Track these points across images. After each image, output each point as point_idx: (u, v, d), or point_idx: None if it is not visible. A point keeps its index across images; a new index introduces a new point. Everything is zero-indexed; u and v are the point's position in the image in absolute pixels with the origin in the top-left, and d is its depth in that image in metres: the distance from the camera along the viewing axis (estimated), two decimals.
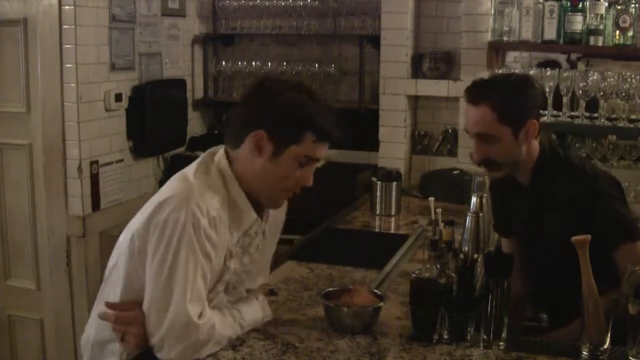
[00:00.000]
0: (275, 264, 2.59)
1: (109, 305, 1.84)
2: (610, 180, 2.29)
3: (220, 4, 4.48)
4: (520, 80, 2.30)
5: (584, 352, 1.82)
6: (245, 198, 1.86)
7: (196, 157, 1.95)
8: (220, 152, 1.90)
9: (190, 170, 1.85)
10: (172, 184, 1.83)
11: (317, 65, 4.31)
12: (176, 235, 1.72)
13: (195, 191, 1.76)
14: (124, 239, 1.87)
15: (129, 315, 1.81)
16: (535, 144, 2.29)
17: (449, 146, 4.04)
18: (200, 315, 1.76)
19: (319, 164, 1.91)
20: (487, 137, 2.23)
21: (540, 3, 3.54)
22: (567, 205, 2.22)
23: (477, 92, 2.27)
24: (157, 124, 3.75)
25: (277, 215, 2.06)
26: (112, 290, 1.89)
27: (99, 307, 1.92)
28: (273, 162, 1.82)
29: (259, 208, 1.92)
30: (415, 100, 4.08)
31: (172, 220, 1.72)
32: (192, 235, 1.72)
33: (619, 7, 3.40)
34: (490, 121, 2.20)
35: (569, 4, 3.45)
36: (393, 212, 3.41)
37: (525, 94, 2.25)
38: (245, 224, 1.89)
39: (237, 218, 1.86)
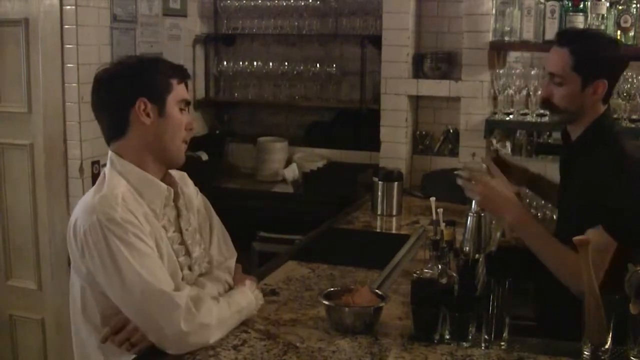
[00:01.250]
0: (276, 264, 2.60)
1: (102, 339, 1.87)
2: None
3: (221, 4, 4.48)
4: (607, 40, 2.40)
5: (585, 352, 1.82)
6: (146, 174, 1.93)
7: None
8: (108, 155, 1.96)
9: (90, 191, 1.93)
10: (75, 209, 1.89)
11: (318, 65, 4.32)
12: (100, 236, 1.77)
13: (94, 199, 1.83)
14: (72, 268, 1.93)
15: (120, 318, 1.83)
16: (600, 107, 2.33)
17: (450, 146, 4.04)
18: (175, 290, 1.80)
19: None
20: (557, 78, 2.31)
21: (541, 3, 3.54)
22: (588, 177, 2.25)
23: (566, 35, 2.39)
24: None
25: (197, 199, 2.14)
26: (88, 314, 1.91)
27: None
28: (163, 119, 1.93)
29: (167, 181, 2.00)
30: (416, 100, 4.08)
31: (88, 230, 1.78)
32: (111, 229, 1.77)
33: (620, 7, 3.41)
34: (564, 64, 2.28)
35: (570, 4, 3.45)
36: (394, 212, 3.40)
37: (607, 53, 2.31)
38: (160, 196, 1.94)
39: (149, 195, 1.92)
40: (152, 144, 1.93)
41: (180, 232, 2.00)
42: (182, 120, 1.97)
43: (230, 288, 2.04)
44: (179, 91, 1.96)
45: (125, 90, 1.91)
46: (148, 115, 1.90)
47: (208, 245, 2.12)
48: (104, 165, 1.97)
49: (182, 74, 1.99)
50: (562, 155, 2.51)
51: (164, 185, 1.95)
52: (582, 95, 2.29)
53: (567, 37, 2.37)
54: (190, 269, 1.99)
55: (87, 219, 1.79)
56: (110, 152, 1.95)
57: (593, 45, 2.31)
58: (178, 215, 2.01)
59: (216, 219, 2.19)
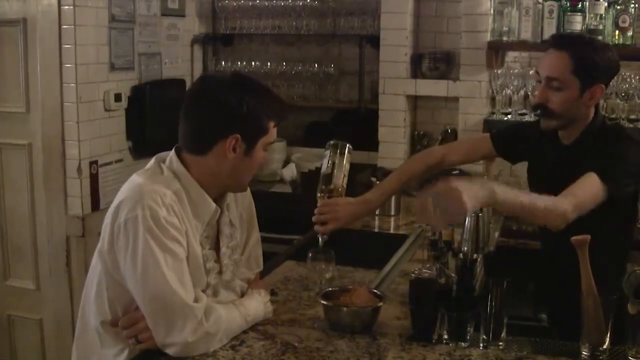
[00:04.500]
0: (274, 263, 2.60)
1: (111, 323, 1.88)
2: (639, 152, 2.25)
3: (219, 4, 4.47)
4: (603, 45, 2.35)
5: (583, 352, 1.82)
6: (202, 190, 1.91)
7: None
8: (170, 155, 1.94)
9: (139, 173, 1.91)
10: (124, 189, 1.87)
11: (316, 65, 4.31)
12: (139, 231, 1.76)
13: (146, 188, 1.81)
14: (97, 250, 1.91)
15: (133, 315, 1.84)
16: (592, 110, 2.32)
17: None
18: (194, 300, 1.79)
19: None
20: (555, 82, 2.26)
21: (539, 3, 3.54)
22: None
23: (563, 39, 2.35)
24: (157, 124, 3.75)
25: (242, 202, 2.11)
26: (98, 298, 1.91)
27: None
28: (247, 158, 1.91)
29: (219, 199, 1.98)
30: (414, 100, 4.08)
31: (131, 218, 1.77)
32: (153, 227, 1.76)
33: (618, 7, 3.41)
34: (564, 68, 2.24)
35: (568, 4, 3.45)
36: (392, 212, 3.40)
37: (605, 57, 2.27)
38: (206, 215, 1.93)
39: (196, 210, 1.90)
40: (223, 174, 1.91)
41: (217, 249, 1.99)
42: (262, 160, 1.96)
43: (243, 294, 2.05)
44: (272, 134, 1.94)
45: (224, 122, 1.87)
46: (234, 151, 1.87)
47: (245, 260, 2.11)
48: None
49: (282, 117, 1.96)
50: (550, 157, 2.44)
51: (213, 205, 1.93)
52: (580, 100, 2.26)
53: (565, 40, 2.34)
54: (215, 287, 1.97)
55: (132, 208, 1.77)
56: (174, 154, 1.92)
57: (591, 49, 2.27)
58: (218, 233, 2.00)
59: (255, 231, 2.17)
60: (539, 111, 2.34)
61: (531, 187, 2.54)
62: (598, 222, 1.98)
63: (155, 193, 1.79)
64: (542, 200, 2.01)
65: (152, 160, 1.95)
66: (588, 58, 2.25)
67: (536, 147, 2.48)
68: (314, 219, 2.42)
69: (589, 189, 2.10)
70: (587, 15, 3.44)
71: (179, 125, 1.94)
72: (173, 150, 1.94)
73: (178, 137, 1.95)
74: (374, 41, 4.04)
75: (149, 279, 1.76)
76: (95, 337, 1.92)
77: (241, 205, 2.11)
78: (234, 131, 1.86)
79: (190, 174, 1.90)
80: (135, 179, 1.87)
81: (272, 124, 1.92)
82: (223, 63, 4.48)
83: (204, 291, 1.90)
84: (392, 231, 3.27)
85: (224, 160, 1.88)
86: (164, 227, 1.77)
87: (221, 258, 1.99)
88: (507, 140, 2.62)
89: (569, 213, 2.00)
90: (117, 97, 3.62)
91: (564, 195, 2.04)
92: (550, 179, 2.37)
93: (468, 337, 1.89)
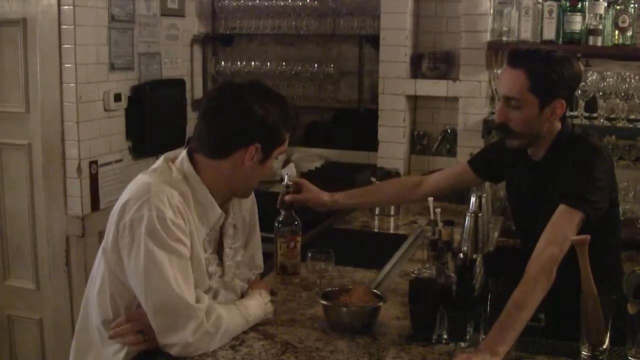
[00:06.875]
0: (274, 263, 2.59)
1: (114, 325, 1.88)
2: (606, 163, 2.21)
3: (219, 4, 4.48)
4: (561, 58, 2.26)
5: (583, 352, 1.83)
6: (210, 195, 1.92)
7: None
8: (181, 156, 1.94)
9: (146, 172, 1.91)
10: (131, 187, 1.88)
11: (316, 65, 4.32)
12: (144, 231, 1.76)
13: (154, 187, 1.81)
14: (101, 248, 1.91)
15: (137, 312, 1.85)
16: (558, 125, 2.27)
17: (448, 146, 4.05)
18: (196, 300, 1.80)
19: None
20: (513, 101, 2.21)
21: (539, 3, 3.55)
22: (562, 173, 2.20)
23: (517, 56, 2.26)
24: (157, 124, 3.75)
25: (245, 205, 2.13)
26: (100, 298, 1.92)
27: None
28: (260, 166, 1.94)
29: (224, 203, 1.99)
30: (414, 100, 4.08)
31: (137, 218, 1.78)
32: (158, 228, 1.76)
33: (618, 7, 3.41)
34: (521, 87, 2.19)
35: (568, 4, 3.45)
36: (392, 212, 3.40)
37: (563, 72, 2.21)
38: (211, 220, 1.94)
39: (202, 214, 1.91)
40: (235, 180, 1.93)
41: (219, 253, 2.00)
42: (272, 168, 1.99)
43: (243, 295, 2.06)
44: (285, 144, 1.98)
45: (248, 131, 1.88)
46: (252, 159, 1.90)
47: (246, 261, 2.13)
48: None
49: (296, 127, 2.00)
50: (525, 176, 2.38)
51: (219, 210, 1.94)
52: (540, 117, 2.21)
53: (520, 57, 2.25)
54: (216, 290, 1.98)
55: (139, 208, 1.78)
56: (186, 156, 1.92)
57: (548, 65, 2.20)
58: (221, 236, 2.01)
59: (257, 232, 2.20)
60: (501, 131, 2.31)
61: (509, 204, 2.55)
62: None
63: (162, 193, 1.80)
64: (528, 289, 1.90)
65: (161, 160, 1.94)
66: (545, 75, 2.19)
67: (510, 165, 2.45)
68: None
69: (566, 225, 2.04)
70: (587, 15, 3.44)
71: (196, 128, 1.94)
72: (185, 152, 1.94)
73: (193, 139, 1.95)
74: (374, 41, 4.04)
75: (152, 280, 1.76)
76: (97, 335, 1.93)
77: (244, 208, 2.12)
78: (256, 140, 1.88)
79: (201, 177, 1.90)
80: (143, 178, 1.87)
81: (288, 134, 1.96)
82: (223, 63, 4.49)
83: (205, 293, 1.91)
84: (391, 231, 3.27)
85: (240, 167, 1.90)
86: (170, 228, 1.77)
87: (224, 259, 2.00)
88: (485, 163, 2.60)
89: (556, 256, 1.96)
90: (117, 97, 3.62)
91: (545, 243, 1.99)
92: (523, 196, 2.36)
93: (468, 337, 1.89)
